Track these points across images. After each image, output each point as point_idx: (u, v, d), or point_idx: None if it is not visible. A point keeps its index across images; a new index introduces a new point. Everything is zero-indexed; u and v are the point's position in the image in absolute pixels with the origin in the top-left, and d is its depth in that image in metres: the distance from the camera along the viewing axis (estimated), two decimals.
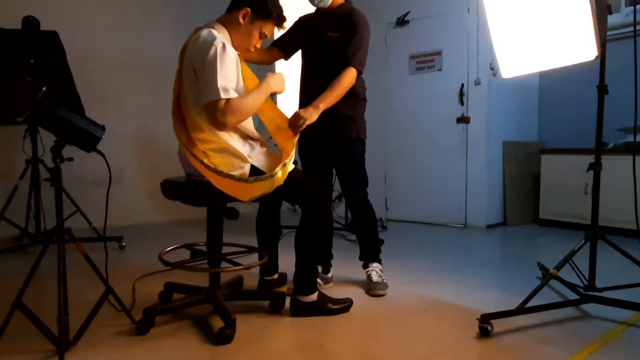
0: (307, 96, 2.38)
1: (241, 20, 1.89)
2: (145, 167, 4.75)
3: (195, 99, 1.83)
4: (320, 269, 2.54)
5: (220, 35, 1.86)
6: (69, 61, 3.27)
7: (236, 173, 1.82)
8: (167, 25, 4.83)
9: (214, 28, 1.89)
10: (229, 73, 1.78)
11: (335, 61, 2.32)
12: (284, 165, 1.88)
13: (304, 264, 2.07)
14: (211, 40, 1.77)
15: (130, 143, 4.70)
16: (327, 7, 2.38)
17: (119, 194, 4.11)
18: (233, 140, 1.86)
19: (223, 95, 1.74)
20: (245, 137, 1.92)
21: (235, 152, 1.84)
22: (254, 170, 1.86)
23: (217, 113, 1.75)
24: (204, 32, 1.84)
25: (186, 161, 1.90)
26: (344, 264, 3.06)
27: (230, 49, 1.81)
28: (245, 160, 1.85)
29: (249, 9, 1.88)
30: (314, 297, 2.09)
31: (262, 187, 1.83)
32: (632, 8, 4.09)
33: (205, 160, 1.80)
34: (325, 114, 2.21)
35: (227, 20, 1.93)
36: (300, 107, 2.46)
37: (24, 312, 1.71)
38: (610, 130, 3.62)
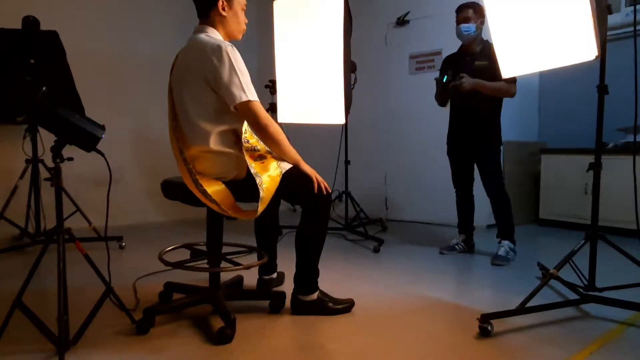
0: (455, 116, 3.31)
1: (224, 13, 1.93)
2: (145, 167, 4.75)
3: (199, 107, 1.85)
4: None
5: (219, 37, 1.89)
6: (69, 61, 3.27)
7: (231, 175, 1.89)
8: (167, 25, 4.82)
9: (206, 32, 1.91)
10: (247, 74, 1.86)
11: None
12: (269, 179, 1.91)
13: (304, 263, 2.07)
14: (218, 46, 1.80)
15: (130, 143, 4.70)
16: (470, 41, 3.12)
17: (119, 194, 4.12)
18: (229, 148, 1.89)
19: (251, 97, 1.82)
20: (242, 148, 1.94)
21: (233, 154, 1.88)
22: (250, 179, 1.86)
23: (256, 111, 1.84)
24: (204, 38, 1.86)
25: None
26: (345, 264, 3.06)
27: (234, 48, 1.84)
28: (243, 161, 1.87)
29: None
30: (314, 296, 2.09)
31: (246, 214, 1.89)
32: (632, 8, 4.09)
33: (199, 178, 1.84)
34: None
35: (211, 22, 1.94)
36: (451, 126, 3.35)
37: (24, 312, 1.71)
38: (610, 130, 3.61)
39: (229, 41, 1.96)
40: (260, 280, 2.44)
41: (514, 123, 4.69)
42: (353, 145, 4.52)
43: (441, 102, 3.33)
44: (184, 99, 1.88)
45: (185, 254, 2.72)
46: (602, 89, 2.05)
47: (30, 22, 3.19)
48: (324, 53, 2.88)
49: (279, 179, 1.90)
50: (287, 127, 2.65)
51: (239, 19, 1.99)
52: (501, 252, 3.09)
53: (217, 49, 1.79)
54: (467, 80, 3.01)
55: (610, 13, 1.93)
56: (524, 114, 4.82)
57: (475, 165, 3.27)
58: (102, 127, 1.74)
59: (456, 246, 3.37)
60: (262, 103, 1.92)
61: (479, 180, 3.26)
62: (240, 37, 2.03)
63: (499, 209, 3.17)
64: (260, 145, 2.05)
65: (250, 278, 2.51)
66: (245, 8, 2.01)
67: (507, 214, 3.16)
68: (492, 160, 3.14)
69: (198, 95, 1.84)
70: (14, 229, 3.46)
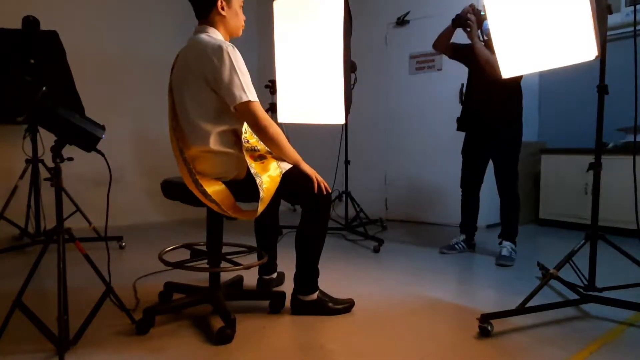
0: (472, 97, 3.33)
1: (223, 12, 1.93)
2: (145, 167, 4.75)
3: (199, 107, 1.85)
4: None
5: (220, 37, 1.90)
6: (69, 61, 3.27)
7: (231, 175, 1.89)
8: (167, 25, 4.82)
9: (207, 32, 1.91)
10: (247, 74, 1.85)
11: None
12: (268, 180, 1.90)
13: (304, 263, 2.07)
14: (219, 46, 1.79)
15: (130, 143, 4.70)
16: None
17: (119, 194, 4.12)
18: (229, 147, 1.89)
19: (252, 98, 1.81)
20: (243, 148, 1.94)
21: (233, 155, 1.88)
22: (250, 180, 1.86)
23: (255, 112, 1.83)
24: (204, 38, 1.86)
25: None
26: (345, 264, 3.06)
27: (235, 48, 1.84)
28: (243, 161, 1.87)
29: None
30: (314, 296, 2.09)
31: (247, 214, 1.88)
32: (632, 8, 4.09)
33: (199, 178, 1.84)
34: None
35: (211, 23, 1.94)
36: (465, 105, 3.39)
37: (24, 312, 1.71)
38: (610, 130, 3.62)
39: (230, 40, 1.97)
40: (260, 280, 2.44)
41: None
42: (353, 145, 4.52)
43: (440, 38, 3.28)
44: (184, 99, 1.88)
45: (185, 254, 2.72)
46: (602, 89, 2.05)
47: (30, 22, 3.19)
48: (324, 53, 2.87)
49: (279, 179, 1.90)
50: (287, 127, 2.66)
51: (238, 17, 1.99)
52: (505, 252, 3.09)
53: (218, 49, 1.79)
54: (476, 30, 3.04)
55: (610, 13, 1.93)
56: (524, 114, 4.79)
57: (485, 169, 3.27)
58: (102, 127, 1.74)
59: (456, 246, 3.37)
60: (262, 103, 1.92)
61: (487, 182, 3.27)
62: (240, 33, 2.04)
63: (507, 210, 3.17)
64: (260, 145, 2.05)
65: (250, 278, 2.51)
66: (242, 4, 2.02)
67: (514, 216, 3.16)
68: (510, 161, 3.12)
69: (198, 96, 1.84)
70: (14, 229, 3.46)
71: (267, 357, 1.69)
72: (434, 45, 3.34)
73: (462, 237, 3.40)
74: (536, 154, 4.59)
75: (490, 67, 2.94)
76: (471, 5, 3.09)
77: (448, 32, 3.23)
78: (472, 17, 3.05)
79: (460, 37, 3.25)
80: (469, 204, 3.37)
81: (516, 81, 3.05)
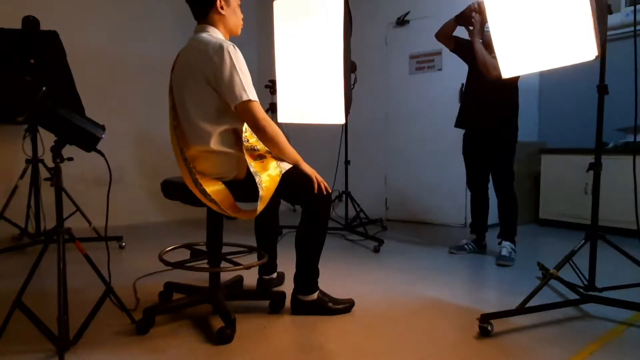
0: (470, 94, 3.34)
1: (222, 11, 1.93)
2: (145, 167, 4.75)
3: (199, 107, 1.85)
4: None
5: (221, 36, 1.90)
6: (69, 61, 3.27)
7: (231, 175, 1.89)
8: (167, 25, 4.82)
9: (208, 32, 1.91)
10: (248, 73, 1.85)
11: None
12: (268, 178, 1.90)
13: (304, 263, 2.07)
14: (220, 45, 1.80)
15: (130, 143, 4.70)
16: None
17: (119, 194, 4.11)
18: (229, 147, 1.89)
19: (252, 97, 1.81)
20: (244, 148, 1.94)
21: (233, 155, 1.88)
22: (250, 180, 1.86)
23: (255, 112, 1.83)
24: (205, 37, 1.86)
25: None
26: (345, 264, 3.06)
27: (236, 48, 1.84)
28: (243, 160, 1.87)
29: None
30: (314, 296, 2.09)
31: (247, 214, 1.88)
32: (632, 8, 4.09)
33: (199, 177, 1.84)
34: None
35: (210, 22, 1.94)
36: (463, 102, 3.41)
37: (24, 312, 1.71)
38: (610, 130, 3.61)
39: (230, 38, 1.97)
40: (260, 280, 2.44)
41: None
42: (353, 145, 4.52)
43: (443, 29, 3.23)
44: (185, 99, 1.88)
45: (185, 254, 2.71)
46: (602, 89, 2.05)
47: (30, 22, 3.19)
48: (324, 53, 2.87)
49: (278, 178, 1.90)
50: (286, 127, 2.66)
51: (237, 15, 2.00)
52: (504, 252, 3.09)
53: (219, 49, 1.79)
54: (478, 30, 3.00)
55: (611, 13, 1.93)
56: (524, 114, 4.76)
57: (488, 167, 3.26)
58: (102, 127, 1.75)
59: (466, 246, 3.37)
60: (262, 103, 1.92)
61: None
62: (239, 31, 2.04)
63: (505, 210, 3.17)
64: (260, 145, 2.05)
65: (250, 278, 2.51)
66: (240, 2, 2.03)
67: (512, 215, 3.17)
68: (506, 161, 3.12)
69: (198, 96, 1.84)
70: (14, 229, 3.46)
71: (267, 357, 1.69)
72: (437, 35, 3.30)
73: (472, 237, 3.40)
74: (536, 154, 4.59)
75: (485, 68, 2.94)
76: (478, 3, 3.05)
77: (451, 25, 3.20)
78: (476, 16, 3.03)
79: (461, 33, 3.25)
80: (477, 203, 3.37)
81: (513, 81, 3.04)
